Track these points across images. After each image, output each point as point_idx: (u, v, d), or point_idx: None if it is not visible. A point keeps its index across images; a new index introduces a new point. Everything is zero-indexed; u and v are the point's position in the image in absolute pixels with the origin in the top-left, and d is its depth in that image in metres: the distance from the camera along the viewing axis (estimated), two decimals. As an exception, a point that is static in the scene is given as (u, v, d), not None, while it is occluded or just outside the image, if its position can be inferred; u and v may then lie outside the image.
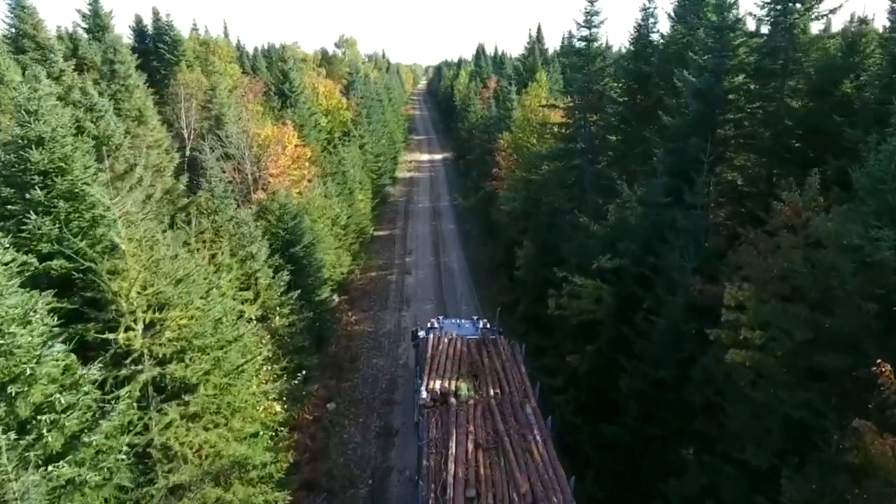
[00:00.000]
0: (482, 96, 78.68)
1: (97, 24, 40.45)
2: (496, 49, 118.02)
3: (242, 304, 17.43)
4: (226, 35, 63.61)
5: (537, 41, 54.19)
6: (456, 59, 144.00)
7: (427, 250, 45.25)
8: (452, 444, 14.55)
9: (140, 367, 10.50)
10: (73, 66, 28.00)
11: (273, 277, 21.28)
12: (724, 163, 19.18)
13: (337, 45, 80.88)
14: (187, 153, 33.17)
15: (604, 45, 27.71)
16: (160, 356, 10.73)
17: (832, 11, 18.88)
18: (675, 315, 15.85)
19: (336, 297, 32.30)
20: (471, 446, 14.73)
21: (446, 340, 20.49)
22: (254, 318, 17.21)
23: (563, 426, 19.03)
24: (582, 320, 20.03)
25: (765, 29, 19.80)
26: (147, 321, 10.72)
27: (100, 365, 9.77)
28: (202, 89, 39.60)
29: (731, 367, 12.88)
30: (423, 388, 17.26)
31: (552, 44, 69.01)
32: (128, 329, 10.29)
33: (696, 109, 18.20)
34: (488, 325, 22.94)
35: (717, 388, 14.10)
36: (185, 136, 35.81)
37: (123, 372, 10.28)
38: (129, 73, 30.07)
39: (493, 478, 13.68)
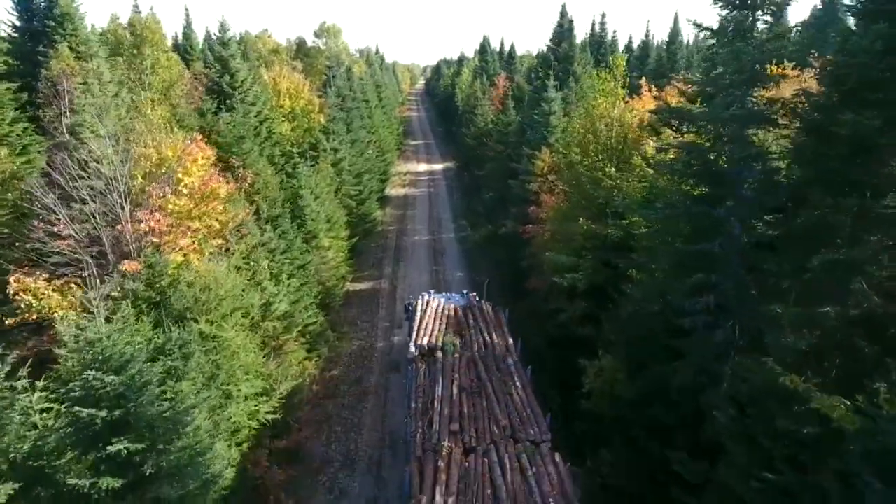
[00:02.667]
0: (492, 97, 65.58)
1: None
2: (502, 43, 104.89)
3: None
4: (193, 24, 50.27)
5: (568, 27, 41.06)
6: (456, 57, 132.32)
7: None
8: (439, 389, 16.02)
9: None
10: None
11: None
12: None
13: (317, 35, 67.69)
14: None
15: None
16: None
17: None
18: None
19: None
20: (455, 390, 16.16)
21: (434, 304, 21.82)
22: None
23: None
24: None
25: None
26: None
27: None
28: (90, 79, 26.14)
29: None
30: (411, 343, 18.74)
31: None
32: None
33: None
34: (476, 297, 23.68)
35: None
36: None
37: None
38: None
39: (476, 415, 15.30)
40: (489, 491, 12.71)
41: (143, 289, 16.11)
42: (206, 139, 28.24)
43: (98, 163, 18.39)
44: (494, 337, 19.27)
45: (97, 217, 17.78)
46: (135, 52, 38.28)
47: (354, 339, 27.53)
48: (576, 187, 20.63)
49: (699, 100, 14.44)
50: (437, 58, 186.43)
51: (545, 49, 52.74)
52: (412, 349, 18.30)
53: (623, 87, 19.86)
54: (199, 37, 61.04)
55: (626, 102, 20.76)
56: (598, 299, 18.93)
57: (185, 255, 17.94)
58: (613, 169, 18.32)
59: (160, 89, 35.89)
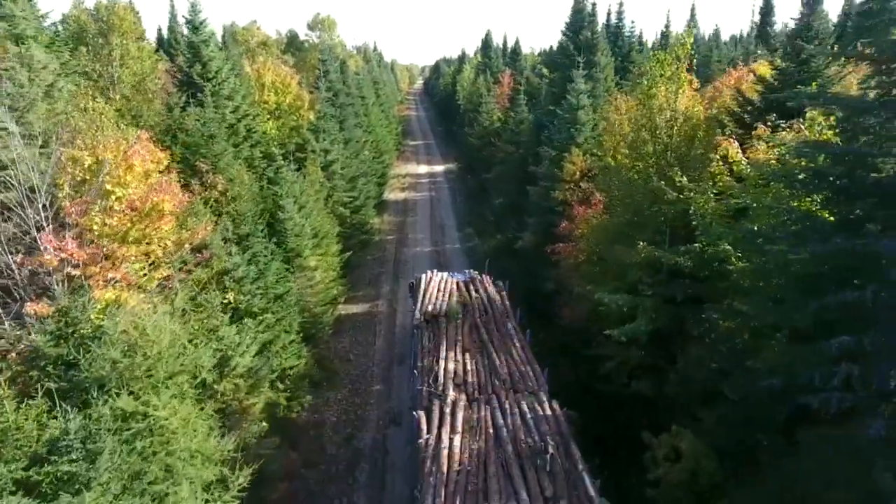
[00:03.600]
0: (498, 94, 61.15)
1: None
2: (505, 40, 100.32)
3: None
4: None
5: (590, 13, 36.52)
6: (456, 56, 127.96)
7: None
8: (443, 349, 16.84)
9: None
10: None
11: None
12: None
13: (310, 28, 63.09)
14: None
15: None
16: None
17: None
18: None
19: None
20: (459, 350, 17.04)
21: (438, 278, 22.61)
22: None
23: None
24: None
25: None
26: None
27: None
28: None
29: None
30: (417, 311, 19.54)
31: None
32: None
33: None
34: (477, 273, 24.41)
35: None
36: None
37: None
38: None
39: (478, 370, 16.13)
40: (491, 431, 13.47)
41: (48, 342, 11.59)
42: (171, 139, 23.89)
43: (6, 168, 13.97)
44: (495, 305, 20.19)
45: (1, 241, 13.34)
46: (100, 41, 33.62)
47: (346, 379, 22.94)
48: (624, 200, 16.15)
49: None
50: (435, 58, 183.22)
51: (555, 45, 48.41)
52: (417, 316, 19.28)
53: (689, 71, 15.40)
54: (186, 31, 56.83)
55: (696, 90, 16.30)
56: (660, 347, 14.46)
57: (116, 293, 13.46)
58: (685, 178, 13.84)
59: (130, 83, 31.40)
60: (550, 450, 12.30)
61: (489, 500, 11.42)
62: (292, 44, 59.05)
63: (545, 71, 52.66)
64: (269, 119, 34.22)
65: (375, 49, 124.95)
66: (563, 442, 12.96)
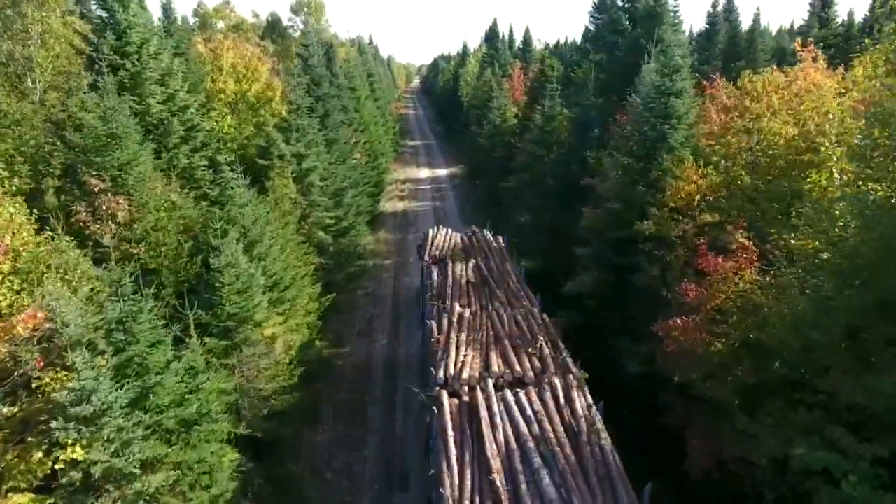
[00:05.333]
0: (512, 87, 53.07)
1: None
2: (511, 30, 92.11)
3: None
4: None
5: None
6: (454, 52, 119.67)
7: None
8: (450, 280, 18.46)
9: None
10: None
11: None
12: None
13: (294, 12, 54.80)
14: None
15: None
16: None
17: None
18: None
19: None
20: (463, 282, 18.69)
21: (443, 233, 24.43)
22: None
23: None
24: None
25: None
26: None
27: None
28: None
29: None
30: (426, 255, 21.14)
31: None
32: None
33: None
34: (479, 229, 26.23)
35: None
36: None
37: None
38: None
39: (479, 295, 17.79)
40: (492, 333, 15.11)
41: None
42: (52, 143, 15.80)
43: None
44: (494, 251, 21.99)
45: None
46: (9, 13, 25.34)
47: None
48: (860, 262, 8.08)
49: None
50: (432, 58, 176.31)
51: (564, 39, 40.31)
52: (426, 258, 20.84)
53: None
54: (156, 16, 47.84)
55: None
56: None
57: None
58: None
59: (51, 67, 23.25)
60: (540, 340, 14.43)
61: (489, 370, 13.14)
62: (273, 29, 50.70)
63: (553, 64, 44.58)
64: (227, 114, 26.02)
65: (371, 43, 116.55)
66: (552, 340, 14.79)
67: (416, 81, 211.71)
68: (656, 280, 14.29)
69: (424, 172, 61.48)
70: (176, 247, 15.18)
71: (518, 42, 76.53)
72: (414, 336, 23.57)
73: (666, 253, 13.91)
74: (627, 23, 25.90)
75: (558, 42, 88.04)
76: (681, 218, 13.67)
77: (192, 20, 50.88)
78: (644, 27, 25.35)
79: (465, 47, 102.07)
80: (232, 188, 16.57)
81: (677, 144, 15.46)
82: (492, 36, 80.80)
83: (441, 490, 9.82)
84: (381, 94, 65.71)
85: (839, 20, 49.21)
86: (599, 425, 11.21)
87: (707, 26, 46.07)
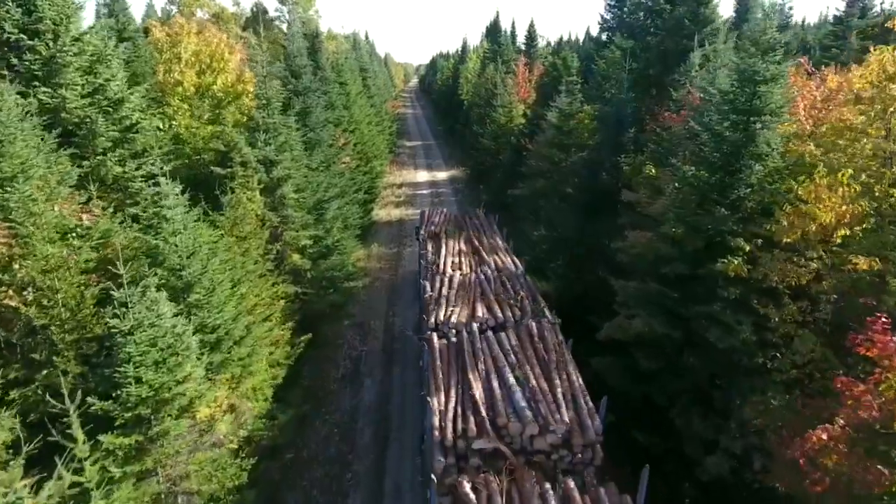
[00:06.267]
0: (517, 84, 48.82)
1: None
2: (514, 25, 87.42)
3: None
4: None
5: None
6: (453, 51, 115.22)
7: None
8: (444, 250, 19.77)
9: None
10: None
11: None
12: None
13: (280, 1, 50.37)
14: None
15: None
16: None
17: None
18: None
19: None
20: (456, 251, 19.90)
21: (438, 212, 25.89)
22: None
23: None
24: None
25: None
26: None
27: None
28: None
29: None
30: (422, 230, 22.58)
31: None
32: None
33: None
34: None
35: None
36: None
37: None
38: None
39: (470, 262, 18.91)
40: (479, 290, 16.18)
41: None
42: None
43: None
44: (486, 226, 23.32)
45: None
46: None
47: None
48: None
49: None
50: (430, 57, 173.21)
51: (568, 36, 36.20)
52: (422, 232, 22.23)
53: None
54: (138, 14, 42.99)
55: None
56: None
57: None
58: None
59: None
60: (521, 292, 15.83)
61: (475, 317, 14.35)
62: (258, 19, 46.27)
63: (567, 57, 40.26)
64: (186, 111, 21.67)
65: (367, 39, 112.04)
66: (533, 296, 15.94)
67: (414, 80, 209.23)
68: (749, 345, 10.06)
69: (423, 175, 57.21)
70: (76, 294, 10.88)
71: (521, 37, 72.30)
72: (411, 383, 19.29)
73: (770, 309, 9.65)
74: (665, 2, 21.57)
75: (561, 38, 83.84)
76: (800, 258, 9.41)
77: (172, 10, 46.64)
78: (686, 5, 21.07)
79: (464, 44, 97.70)
80: (168, 208, 12.27)
81: (772, 149, 11.20)
82: (494, 30, 76.37)
83: (430, 403, 11.12)
84: (377, 92, 61.34)
85: (876, 9, 45.31)
86: (568, 356, 12.54)
87: (734, 14, 41.92)
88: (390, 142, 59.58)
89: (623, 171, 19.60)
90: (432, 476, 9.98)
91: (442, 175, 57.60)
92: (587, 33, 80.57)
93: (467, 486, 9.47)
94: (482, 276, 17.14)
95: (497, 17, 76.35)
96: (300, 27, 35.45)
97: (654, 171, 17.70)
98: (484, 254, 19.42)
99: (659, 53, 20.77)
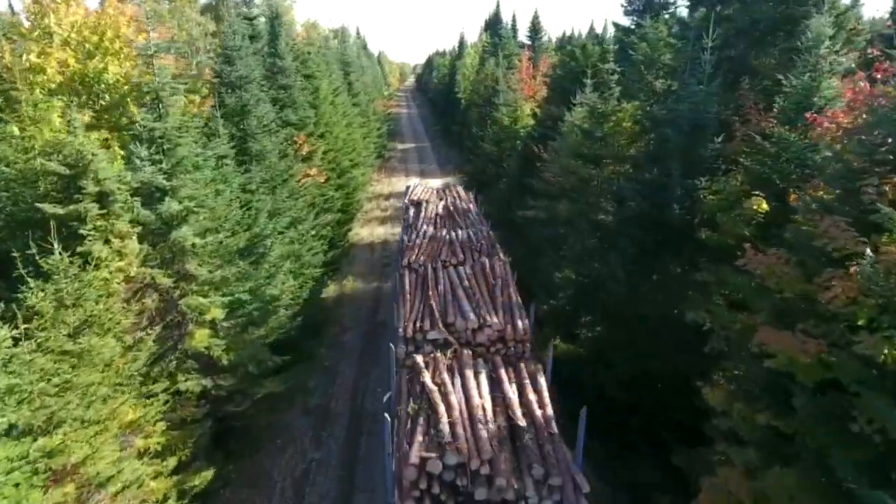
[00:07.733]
0: (522, 81, 42.02)
1: None
2: (514, 18, 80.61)
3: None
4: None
5: None
6: (450, 49, 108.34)
7: None
8: (423, 214, 21.13)
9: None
10: None
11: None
12: None
13: (250, -17, 43.54)
14: None
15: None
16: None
17: None
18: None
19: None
20: (433, 214, 21.26)
21: (422, 184, 28.80)
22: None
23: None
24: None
25: None
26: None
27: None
28: None
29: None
30: (406, 199, 24.24)
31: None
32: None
33: None
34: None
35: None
36: None
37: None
38: None
39: (445, 223, 20.31)
40: (447, 240, 17.98)
41: None
42: None
43: None
44: (463, 199, 24.38)
45: None
46: None
47: None
48: None
49: None
50: (427, 55, 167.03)
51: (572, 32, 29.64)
52: (406, 202, 23.77)
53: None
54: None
55: None
56: None
57: None
58: None
59: None
60: (482, 242, 17.85)
61: (440, 257, 16.19)
62: (217, 3, 39.40)
63: (587, 45, 33.68)
64: (58, 109, 14.84)
65: (359, 35, 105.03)
66: (492, 244, 17.64)
67: (410, 79, 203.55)
68: None
69: (415, 184, 50.41)
70: None
71: (523, 33, 65.56)
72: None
73: None
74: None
75: (564, 34, 77.11)
76: None
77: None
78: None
79: (462, 39, 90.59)
80: None
81: None
82: (494, 22, 69.56)
83: (396, 311, 13.07)
84: (363, 90, 54.53)
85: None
86: (510, 280, 14.33)
87: None
88: (378, 145, 52.83)
89: (702, 201, 12.89)
90: (395, 358, 11.85)
91: (436, 183, 50.73)
92: (579, 34, 73.49)
93: (420, 359, 11.45)
94: (452, 232, 18.97)
95: (498, 7, 69.70)
96: (263, 7, 28.69)
97: (763, 206, 11.09)
98: (458, 218, 21.37)
99: (750, 24, 13.99)
